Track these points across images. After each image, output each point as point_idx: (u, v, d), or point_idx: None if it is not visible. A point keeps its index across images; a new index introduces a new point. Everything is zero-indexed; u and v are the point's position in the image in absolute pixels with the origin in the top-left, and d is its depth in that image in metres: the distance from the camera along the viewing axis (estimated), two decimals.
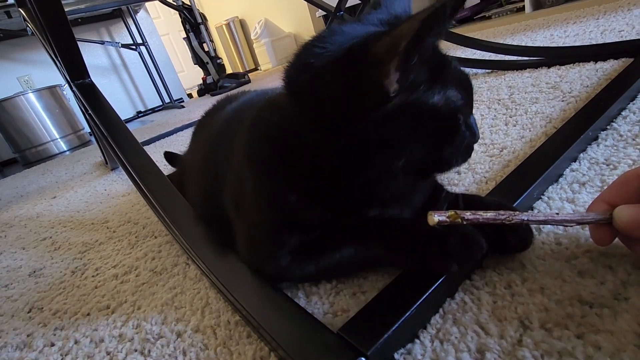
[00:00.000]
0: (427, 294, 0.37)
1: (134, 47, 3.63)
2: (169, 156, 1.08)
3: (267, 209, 0.44)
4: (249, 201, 0.46)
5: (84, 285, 0.69)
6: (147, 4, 3.80)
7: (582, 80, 0.88)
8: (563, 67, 1.01)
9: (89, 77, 0.87)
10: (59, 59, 0.89)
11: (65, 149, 3.12)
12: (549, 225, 0.44)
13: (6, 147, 3.06)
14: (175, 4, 3.58)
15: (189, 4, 3.64)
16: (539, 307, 0.35)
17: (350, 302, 0.43)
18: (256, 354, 0.41)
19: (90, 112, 0.86)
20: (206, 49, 3.84)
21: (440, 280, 0.38)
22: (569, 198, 0.48)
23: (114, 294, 0.62)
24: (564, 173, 0.54)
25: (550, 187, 0.52)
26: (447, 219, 0.35)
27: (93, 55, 3.62)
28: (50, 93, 3.04)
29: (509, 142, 0.70)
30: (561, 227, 0.43)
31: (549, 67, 1.05)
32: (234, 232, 0.50)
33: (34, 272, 0.81)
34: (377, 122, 0.32)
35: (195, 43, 3.78)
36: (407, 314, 0.35)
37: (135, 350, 0.47)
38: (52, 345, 0.54)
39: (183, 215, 0.63)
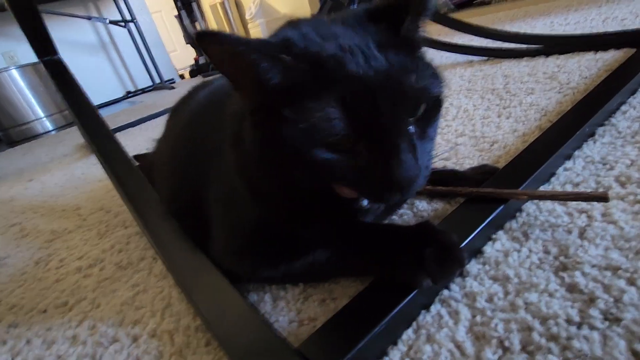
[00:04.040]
0: (400, 305, 0.34)
1: (122, 23, 3.49)
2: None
3: (251, 203, 0.41)
4: (232, 195, 0.43)
5: (45, 277, 0.64)
6: None
7: (581, 70, 0.83)
8: (562, 56, 0.97)
9: (57, 53, 0.81)
10: (25, 33, 0.82)
11: (50, 128, 3.02)
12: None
13: None
14: None
15: None
16: (521, 326, 0.31)
17: (318, 310, 0.40)
18: None
19: (59, 90, 0.80)
20: (198, 28, 3.71)
21: (415, 291, 0.34)
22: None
23: (75, 289, 0.58)
24: (557, 172, 0.50)
25: (541, 187, 0.48)
26: None
27: (80, 32, 3.46)
28: (35, 70, 2.92)
29: (500, 135, 0.66)
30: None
31: (547, 56, 1.00)
32: (210, 226, 0.47)
33: None
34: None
35: (186, 21, 3.65)
36: (376, 329, 0.32)
37: (87, 355, 0.44)
38: (4, 343, 0.50)
39: (150, 208, 0.59)
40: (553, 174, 0.50)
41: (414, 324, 0.35)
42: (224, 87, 0.58)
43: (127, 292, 0.53)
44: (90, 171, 1.24)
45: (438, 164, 0.61)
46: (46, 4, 3.04)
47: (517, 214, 0.44)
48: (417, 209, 0.51)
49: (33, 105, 2.95)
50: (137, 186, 0.64)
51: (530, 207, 0.45)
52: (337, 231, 0.39)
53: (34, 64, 2.91)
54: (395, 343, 0.33)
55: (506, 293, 0.35)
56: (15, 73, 2.87)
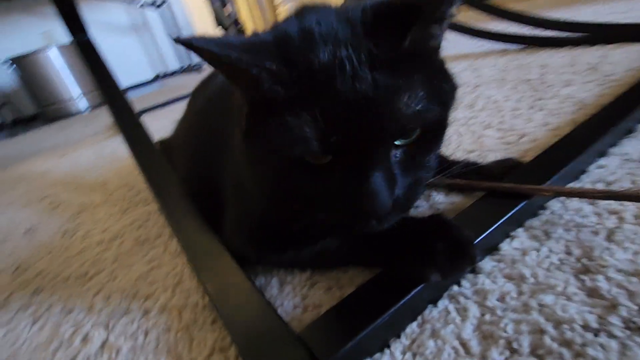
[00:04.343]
0: (406, 298, 0.33)
1: (155, 6, 3.55)
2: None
3: (256, 195, 0.40)
4: (240, 186, 0.43)
5: (70, 248, 0.68)
6: None
7: (627, 62, 0.77)
8: (607, 46, 0.90)
9: (86, 33, 0.83)
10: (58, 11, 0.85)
11: (87, 106, 3.14)
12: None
13: (28, 102, 3.11)
14: None
15: None
16: (533, 328, 0.29)
17: (323, 298, 0.39)
18: (216, 343, 0.38)
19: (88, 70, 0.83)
20: (227, 12, 3.72)
21: (423, 284, 0.33)
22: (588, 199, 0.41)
23: (95, 261, 0.61)
24: (589, 169, 0.47)
25: (569, 185, 0.45)
26: None
27: (112, 13, 3.54)
28: (72, 49, 3.03)
29: (530, 128, 0.62)
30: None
31: (590, 46, 0.93)
32: (224, 209, 0.47)
33: (30, 229, 0.81)
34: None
35: (217, 4, 3.66)
36: (379, 321, 0.31)
37: (100, 324, 0.45)
38: (28, 308, 0.53)
39: (168, 189, 0.60)
40: (584, 171, 0.46)
41: (420, 318, 0.34)
42: None
43: (142, 267, 0.55)
44: (119, 149, 1.29)
45: (459, 155, 0.59)
46: None
47: (540, 212, 0.42)
48: (434, 201, 0.50)
49: (71, 83, 3.07)
50: (156, 166, 0.65)
51: (555, 204, 0.42)
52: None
53: (71, 44, 3.02)
54: (398, 336, 0.33)
55: (520, 293, 0.33)
56: (55, 52, 2.98)
